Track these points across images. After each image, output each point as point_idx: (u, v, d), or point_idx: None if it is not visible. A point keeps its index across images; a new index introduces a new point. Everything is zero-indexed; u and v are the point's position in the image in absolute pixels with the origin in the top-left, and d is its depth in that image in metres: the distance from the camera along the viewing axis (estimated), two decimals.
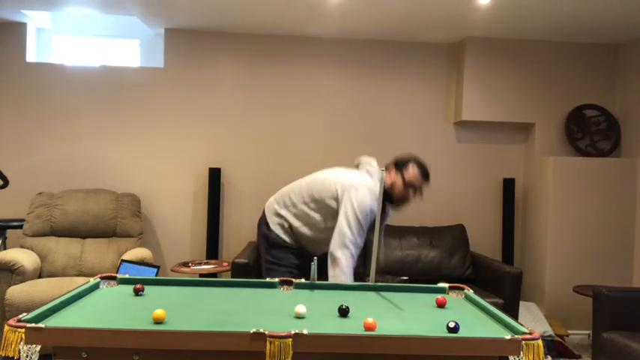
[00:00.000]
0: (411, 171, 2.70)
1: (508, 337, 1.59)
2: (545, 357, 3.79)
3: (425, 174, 2.75)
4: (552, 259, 4.46)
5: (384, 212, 2.68)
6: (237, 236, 4.74)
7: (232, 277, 3.78)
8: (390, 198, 2.71)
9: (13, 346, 1.51)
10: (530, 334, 1.61)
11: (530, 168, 4.79)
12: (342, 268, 2.50)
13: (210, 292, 2.13)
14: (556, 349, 3.99)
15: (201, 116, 4.71)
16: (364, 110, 4.81)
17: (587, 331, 4.34)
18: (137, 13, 4.22)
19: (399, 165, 2.74)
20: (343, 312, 1.83)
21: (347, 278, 2.49)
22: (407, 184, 2.69)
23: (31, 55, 4.65)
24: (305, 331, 1.55)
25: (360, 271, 2.71)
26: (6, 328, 1.54)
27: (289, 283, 2.25)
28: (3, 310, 3.55)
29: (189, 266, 4.06)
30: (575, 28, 4.29)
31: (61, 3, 4.06)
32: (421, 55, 4.81)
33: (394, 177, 2.71)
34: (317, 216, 2.73)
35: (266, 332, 1.53)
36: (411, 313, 1.92)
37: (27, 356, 1.52)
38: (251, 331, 1.54)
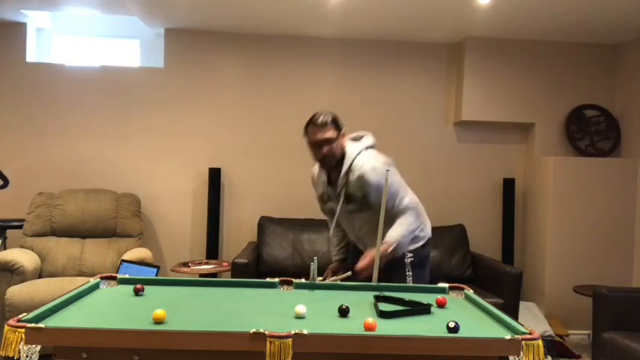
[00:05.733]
0: (307, 133, 2.58)
1: (508, 337, 1.59)
2: (545, 357, 3.79)
3: (308, 122, 2.55)
4: (552, 259, 4.46)
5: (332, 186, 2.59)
6: (237, 236, 4.74)
7: (232, 277, 3.79)
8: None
9: (13, 346, 1.50)
10: (530, 334, 1.61)
11: (530, 168, 4.79)
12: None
13: (210, 292, 2.13)
14: (556, 349, 3.99)
15: (202, 116, 4.71)
16: (364, 110, 4.81)
17: (587, 331, 4.34)
18: (137, 13, 4.22)
19: None
20: (343, 312, 1.83)
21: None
22: (309, 146, 2.59)
23: (31, 55, 4.65)
24: (305, 331, 1.55)
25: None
26: (6, 328, 1.54)
27: (289, 283, 2.25)
28: (3, 310, 3.55)
29: (189, 266, 4.06)
30: (575, 28, 4.29)
31: (61, 3, 4.06)
32: (421, 55, 4.81)
33: None
34: None
35: (266, 332, 1.53)
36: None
37: (27, 356, 1.52)
38: (251, 331, 1.54)
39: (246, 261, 3.86)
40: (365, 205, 2.51)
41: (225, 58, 4.72)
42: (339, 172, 2.53)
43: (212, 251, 4.54)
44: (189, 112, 4.70)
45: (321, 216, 4.74)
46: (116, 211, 4.26)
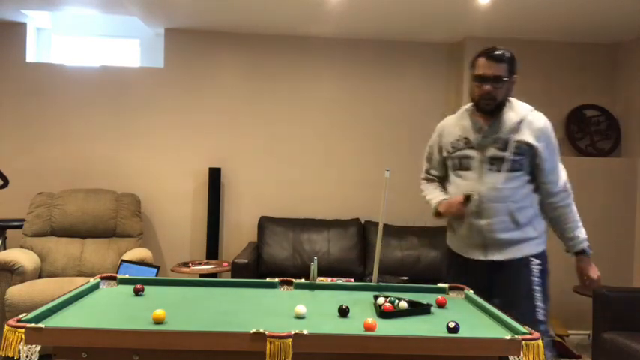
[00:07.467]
0: (476, 64, 2.29)
1: (508, 337, 1.59)
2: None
3: (482, 53, 2.27)
4: (552, 259, 4.44)
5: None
6: (237, 236, 4.74)
7: (232, 277, 3.79)
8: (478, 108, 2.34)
9: (13, 346, 1.51)
10: (530, 334, 1.61)
11: None
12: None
13: (210, 292, 2.13)
14: (556, 349, 3.99)
15: (201, 116, 4.71)
16: (364, 110, 4.81)
17: (587, 331, 4.34)
18: (137, 13, 4.22)
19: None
20: (343, 312, 1.83)
21: None
22: (473, 79, 2.29)
23: (31, 55, 4.65)
24: (305, 331, 1.55)
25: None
26: (6, 328, 1.54)
27: (289, 283, 2.25)
28: (3, 310, 3.55)
29: (189, 266, 4.06)
30: (575, 28, 4.29)
31: (61, 3, 4.06)
32: (421, 55, 4.81)
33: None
34: None
35: (266, 332, 1.53)
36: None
37: (27, 356, 1.52)
38: (251, 331, 1.54)
39: (246, 261, 3.87)
40: (523, 160, 2.30)
41: (225, 58, 4.72)
42: (495, 118, 2.28)
43: (212, 251, 4.54)
44: (189, 112, 4.70)
45: (320, 216, 4.77)
46: (116, 211, 4.26)
